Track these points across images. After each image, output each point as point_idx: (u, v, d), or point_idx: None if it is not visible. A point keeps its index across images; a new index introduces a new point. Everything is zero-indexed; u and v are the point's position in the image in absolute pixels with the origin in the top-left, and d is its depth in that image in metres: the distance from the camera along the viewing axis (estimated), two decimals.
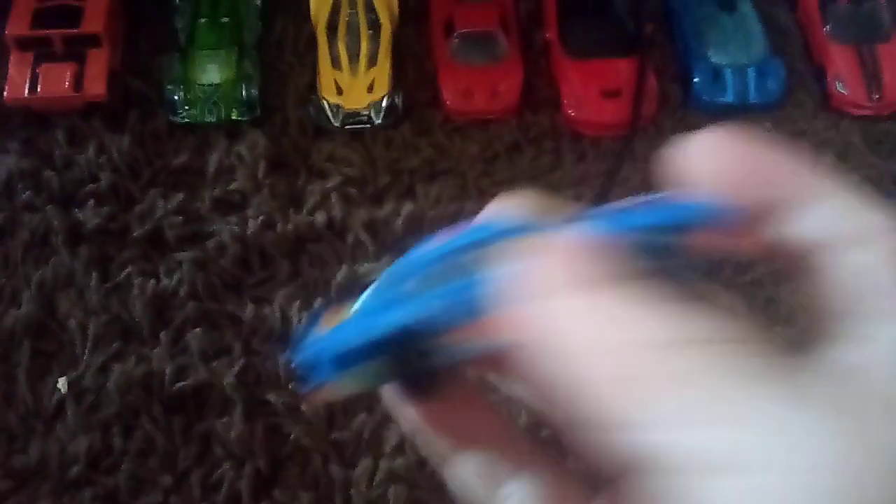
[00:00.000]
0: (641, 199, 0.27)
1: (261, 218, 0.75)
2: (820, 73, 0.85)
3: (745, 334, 0.22)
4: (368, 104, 0.81)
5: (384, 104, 0.81)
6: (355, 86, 0.82)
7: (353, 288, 0.30)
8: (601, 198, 0.77)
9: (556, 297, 0.23)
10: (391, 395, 0.31)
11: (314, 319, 0.29)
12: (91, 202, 0.77)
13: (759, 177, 0.25)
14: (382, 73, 0.83)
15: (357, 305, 0.28)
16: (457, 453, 0.31)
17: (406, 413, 0.31)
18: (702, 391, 0.21)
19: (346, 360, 0.27)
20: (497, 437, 0.31)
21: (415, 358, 0.27)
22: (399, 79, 0.84)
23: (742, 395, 0.21)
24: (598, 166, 0.80)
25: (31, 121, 0.82)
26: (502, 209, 0.29)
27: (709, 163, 0.26)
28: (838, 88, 0.83)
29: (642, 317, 0.22)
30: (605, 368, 0.22)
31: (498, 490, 0.30)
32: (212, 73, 0.83)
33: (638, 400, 0.21)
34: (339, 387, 0.28)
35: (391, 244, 0.75)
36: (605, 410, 0.22)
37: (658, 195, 0.27)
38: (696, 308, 0.22)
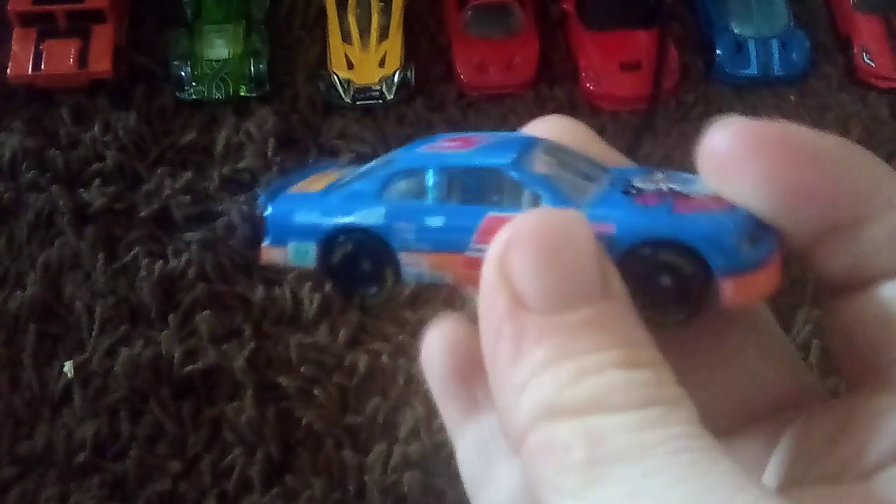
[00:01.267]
0: (680, 188, 0.25)
1: None
2: (846, 45, 0.82)
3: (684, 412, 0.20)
4: (380, 79, 0.79)
5: (396, 79, 0.79)
6: (366, 60, 0.80)
7: (352, 159, 0.31)
8: None
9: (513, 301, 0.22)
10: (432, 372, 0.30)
11: (303, 173, 0.31)
12: (97, 181, 0.75)
13: (815, 189, 0.23)
14: (394, 46, 0.81)
15: (342, 180, 0.29)
16: (464, 422, 0.30)
17: (428, 372, 0.30)
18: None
19: (301, 232, 0.28)
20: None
21: (364, 258, 0.27)
22: (411, 52, 0.82)
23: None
24: (618, 141, 0.77)
25: (36, 98, 0.80)
26: (545, 132, 0.28)
27: (764, 165, 0.23)
28: (865, 60, 0.81)
29: (581, 350, 0.21)
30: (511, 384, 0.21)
31: (492, 468, 0.29)
32: (219, 48, 0.81)
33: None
34: (285, 254, 0.28)
35: None
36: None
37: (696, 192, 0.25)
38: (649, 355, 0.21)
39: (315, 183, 0.30)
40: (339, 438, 0.65)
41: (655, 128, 0.77)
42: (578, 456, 0.20)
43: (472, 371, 0.28)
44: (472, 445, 0.29)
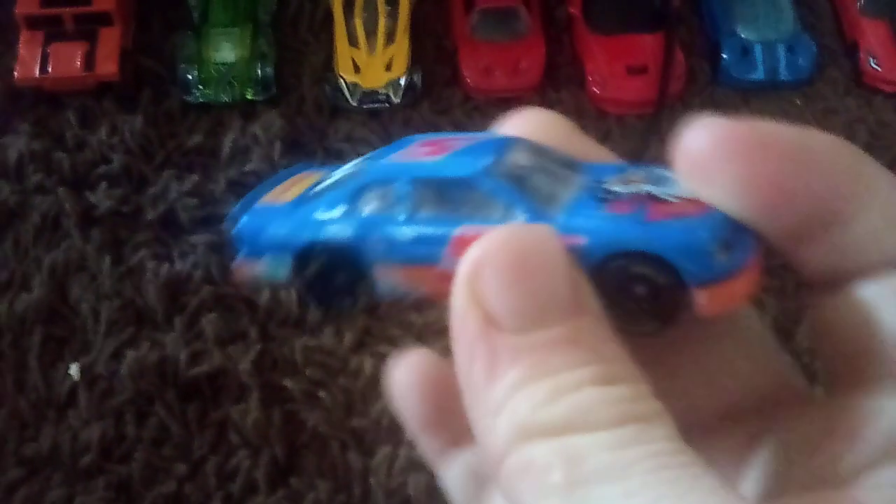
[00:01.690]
0: (664, 189, 0.25)
1: None
2: (852, 49, 0.82)
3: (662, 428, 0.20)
4: (386, 83, 0.79)
5: (402, 82, 0.79)
6: (373, 64, 0.80)
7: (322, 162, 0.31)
8: None
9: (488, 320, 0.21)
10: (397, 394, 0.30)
11: (274, 180, 0.30)
12: (103, 184, 0.75)
13: (793, 188, 0.23)
14: (401, 50, 0.81)
15: (312, 189, 0.28)
16: (446, 453, 0.30)
17: (404, 411, 0.30)
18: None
19: (274, 246, 0.27)
20: None
21: (338, 273, 0.27)
22: (418, 56, 0.82)
23: None
24: (624, 145, 0.77)
25: (42, 101, 0.80)
26: (522, 128, 0.28)
27: (742, 164, 0.23)
28: (871, 64, 0.80)
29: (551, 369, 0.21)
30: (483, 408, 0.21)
31: (482, 493, 0.29)
32: (226, 51, 0.81)
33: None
34: (260, 268, 0.28)
35: None
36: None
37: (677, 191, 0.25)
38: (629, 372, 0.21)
39: (286, 191, 0.29)
40: (345, 441, 0.65)
41: (661, 132, 0.77)
42: (557, 478, 0.19)
43: (450, 403, 0.28)
44: (460, 475, 0.29)
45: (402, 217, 0.26)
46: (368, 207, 0.26)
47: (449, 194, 0.25)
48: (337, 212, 0.27)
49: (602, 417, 0.20)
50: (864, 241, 0.23)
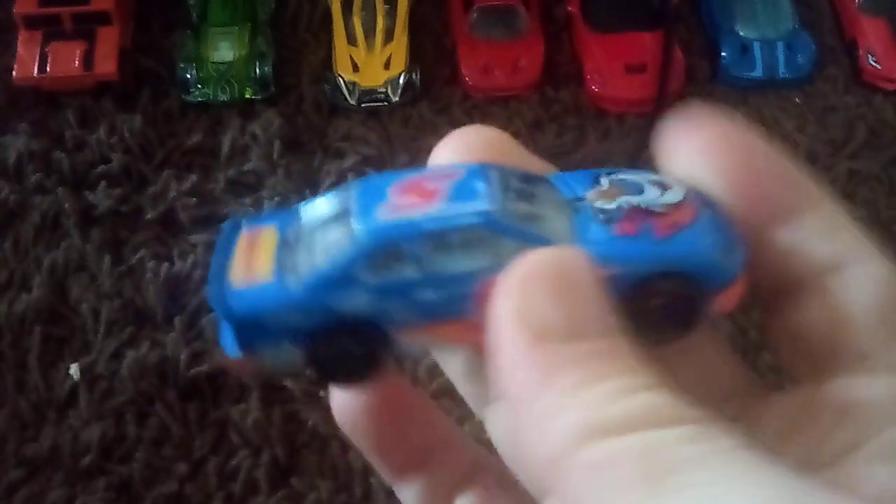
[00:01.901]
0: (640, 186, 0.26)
1: (276, 199, 0.74)
2: (851, 47, 0.82)
3: (702, 413, 0.21)
4: (385, 81, 0.79)
5: (401, 81, 0.79)
6: (371, 62, 0.80)
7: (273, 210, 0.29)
8: None
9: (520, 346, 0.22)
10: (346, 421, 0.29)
11: (225, 246, 0.27)
12: (103, 184, 0.75)
13: (758, 182, 0.25)
14: (399, 49, 0.81)
15: (288, 254, 0.26)
16: (399, 480, 0.30)
17: (354, 436, 0.29)
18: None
19: (278, 335, 0.25)
20: (441, 452, 0.30)
21: (356, 345, 0.25)
22: (416, 55, 0.81)
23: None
24: (623, 144, 0.77)
25: (41, 101, 0.80)
26: (460, 154, 0.27)
27: (711, 158, 0.25)
28: (870, 62, 0.80)
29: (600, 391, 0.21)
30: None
31: None
32: (225, 50, 0.81)
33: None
34: (263, 361, 0.26)
35: None
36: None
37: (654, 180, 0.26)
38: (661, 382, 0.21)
39: (252, 260, 0.26)
40: (345, 440, 0.65)
41: (660, 130, 0.77)
42: (633, 471, 0.19)
43: (397, 427, 0.29)
44: (415, 497, 0.30)
45: (417, 276, 0.24)
46: (379, 274, 0.24)
47: (459, 244, 0.24)
48: (339, 283, 0.24)
49: (667, 416, 0.20)
50: (818, 234, 0.25)
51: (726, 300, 0.25)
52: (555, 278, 0.22)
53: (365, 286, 0.24)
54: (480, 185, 0.25)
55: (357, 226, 0.25)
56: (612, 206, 0.25)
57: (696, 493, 0.19)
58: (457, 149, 0.27)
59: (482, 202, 0.24)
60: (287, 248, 0.26)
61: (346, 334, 0.25)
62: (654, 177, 0.26)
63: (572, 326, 0.22)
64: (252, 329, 0.25)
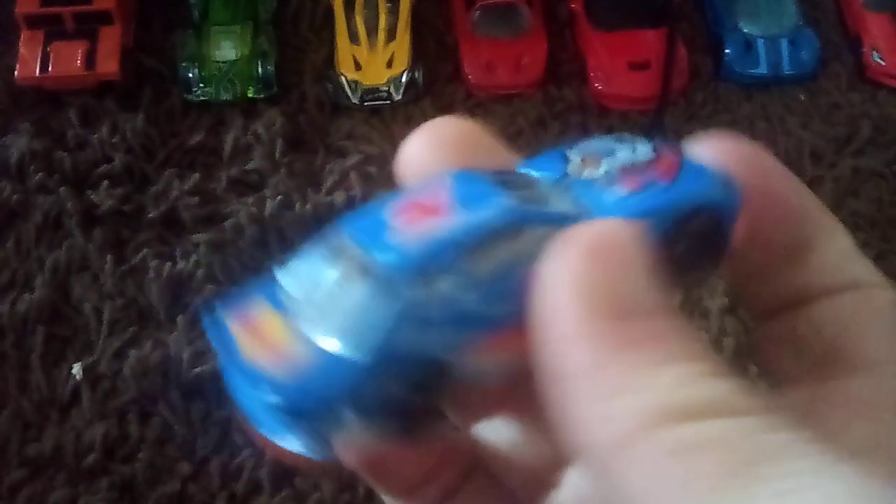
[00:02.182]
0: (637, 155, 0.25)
1: (279, 198, 0.73)
2: (855, 44, 0.82)
3: (767, 402, 0.20)
4: (388, 80, 0.79)
5: (404, 79, 0.79)
6: (374, 61, 0.80)
7: (265, 276, 0.24)
8: None
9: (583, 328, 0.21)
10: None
11: (220, 339, 0.24)
12: (105, 183, 0.75)
13: (777, 207, 0.25)
14: (402, 47, 0.81)
15: (301, 321, 0.22)
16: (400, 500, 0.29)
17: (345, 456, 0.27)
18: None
19: (347, 410, 0.22)
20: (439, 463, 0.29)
21: (420, 392, 0.22)
22: (419, 53, 0.81)
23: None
24: None
25: (43, 100, 0.80)
26: (432, 148, 0.26)
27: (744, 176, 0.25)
28: (875, 59, 0.80)
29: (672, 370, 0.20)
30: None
31: None
32: (227, 49, 0.81)
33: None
34: (331, 443, 0.22)
35: None
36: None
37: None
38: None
39: (267, 344, 0.23)
40: None
41: (664, 127, 0.77)
42: (715, 459, 0.19)
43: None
44: None
45: (467, 293, 0.22)
46: (429, 301, 0.22)
47: (495, 246, 0.23)
48: (406, 324, 0.22)
49: (741, 404, 0.20)
50: (830, 264, 0.25)
51: (739, 229, 0.25)
52: (614, 250, 0.21)
53: (424, 320, 0.22)
54: (478, 187, 0.24)
55: (383, 258, 0.22)
56: (600, 172, 0.25)
57: (779, 485, 0.18)
58: (428, 142, 0.26)
59: (497, 199, 0.23)
60: (301, 320, 0.23)
61: (414, 384, 0.22)
62: (612, 139, 0.26)
63: (629, 302, 0.21)
64: (320, 415, 0.22)
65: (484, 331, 0.22)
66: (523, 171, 0.26)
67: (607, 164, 0.25)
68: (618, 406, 0.20)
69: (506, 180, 0.24)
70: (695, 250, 0.24)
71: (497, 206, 0.23)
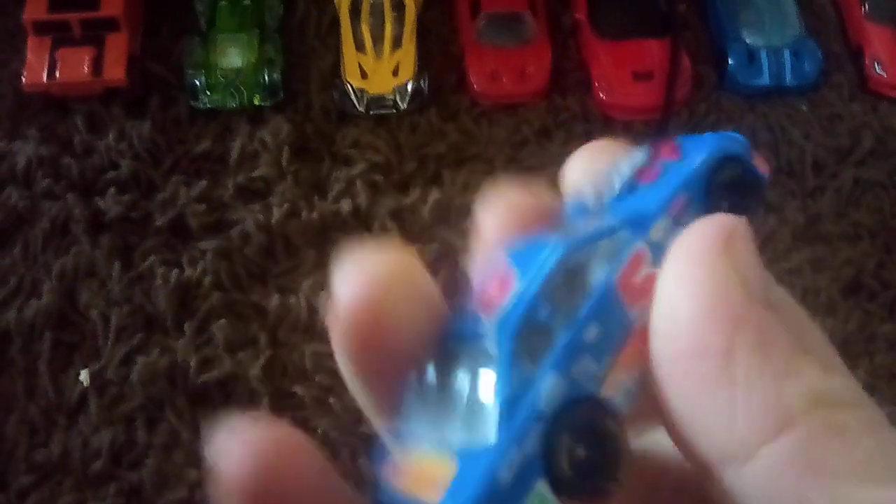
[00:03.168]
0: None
1: (285, 206, 0.74)
2: (857, 55, 0.83)
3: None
4: (393, 88, 0.79)
5: (409, 88, 0.80)
6: (380, 69, 0.80)
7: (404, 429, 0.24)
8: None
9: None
10: None
11: (381, 479, 0.24)
12: (112, 190, 0.75)
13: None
14: (407, 56, 0.81)
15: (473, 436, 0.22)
16: None
17: None
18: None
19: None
20: None
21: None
22: (424, 62, 0.82)
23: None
24: None
25: (50, 107, 0.80)
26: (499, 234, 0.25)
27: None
28: (876, 70, 0.81)
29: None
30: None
31: None
32: (233, 57, 0.81)
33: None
34: None
35: (418, 232, 0.73)
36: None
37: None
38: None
39: (423, 476, 0.22)
40: (355, 447, 0.65)
41: (668, 137, 0.77)
42: (869, 441, 0.20)
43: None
44: None
45: (587, 327, 0.22)
46: (545, 353, 0.22)
47: (568, 281, 0.22)
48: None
49: (865, 396, 0.21)
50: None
51: (762, 164, 0.26)
52: (740, 239, 0.21)
53: (553, 373, 0.21)
54: (530, 248, 0.23)
55: (492, 338, 0.22)
56: (616, 188, 0.26)
57: None
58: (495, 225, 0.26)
59: (548, 244, 0.23)
60: (451, 441, 0.22)
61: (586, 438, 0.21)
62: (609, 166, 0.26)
63: (766, 288, 0.21)
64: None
65: (612, 350, 0.22)
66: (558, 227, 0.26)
67: (618, 179, 0.26)
68: (786, 387, 0.20)
69: (549, 231, 0.25)
70: (738, 200, 0.25)
71: (551, 248, 0.23)
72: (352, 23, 0.83)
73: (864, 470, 0.19)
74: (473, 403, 0.22)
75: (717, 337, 0.20)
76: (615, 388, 0.22)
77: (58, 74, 0.79)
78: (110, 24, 0.80)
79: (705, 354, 0.20)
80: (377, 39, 0.82)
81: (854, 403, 0.20)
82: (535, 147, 0.78)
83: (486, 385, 0.22)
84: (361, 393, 0.25)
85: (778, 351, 0.20)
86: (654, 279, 0.22)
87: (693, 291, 0.21)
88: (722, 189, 0.25)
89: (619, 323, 0.22)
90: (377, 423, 0.26)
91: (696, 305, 0.21)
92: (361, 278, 0.23)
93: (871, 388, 0.61)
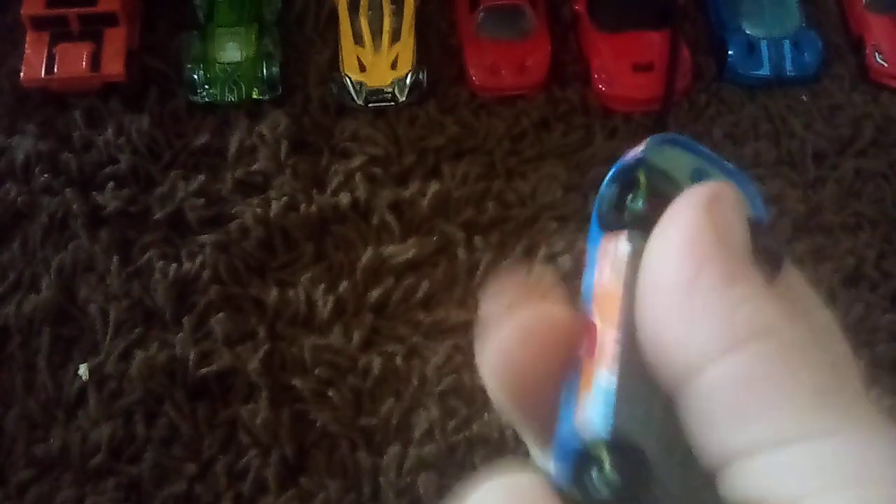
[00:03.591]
0: None
1: (284, 199, 0.74)
2: (858, 45, 0.82)
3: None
4: (392, 81, 0.79)
5: (408, 81, 0.79)
6: (378, 62, 0.80)
7: None
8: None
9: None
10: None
11: None
12: (111, 184, 0.75)
13: None
14: (406, 48, 0.81)
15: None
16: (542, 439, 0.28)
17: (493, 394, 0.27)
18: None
19: None
20: None
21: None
22: (423, 55, 0.81)
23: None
24: (630, 143, 0.77)
25: (49, 102, 0.80)
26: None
27: None
28: (877, 60, 0.80)
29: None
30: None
31: None
32: (232, 51, 0.81)
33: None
34: None
35: (417, 225, 0.73)
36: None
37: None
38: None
39: None
40: (354, 440, 0.65)
41: (668, 129, 0.77)
42: (803, 374, 0.22)
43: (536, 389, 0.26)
44: None
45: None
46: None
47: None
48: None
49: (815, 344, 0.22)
50: None
51: None
52: (731, 204, 0.23)
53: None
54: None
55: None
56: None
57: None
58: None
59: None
60: None
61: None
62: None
63: (748, 251, 0.23)
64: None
65: None
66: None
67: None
68: (738, 315, 0.22)
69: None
70: None
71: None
72: (350, 16, 0.82)
73: (797, 393, 0.21)
74: None
75: (684, 273, 0.22)
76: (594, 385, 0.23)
77: (56, 69, 0.79)
78: (108, 19, 0.80)
79: (672, 287, 0.22)
80: (376, 32, 0.82)
81: (802, 344, 0.22)
82: (535, 139, 0.78)
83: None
84: (510, 413, 0.27)
85: (737, 286, 0.22)
86: None
87: (670, 237, 0.23)
88: None
89: None
90: (527, 437, 0.28)
91: (671, 246, 0.23)
92: (513, 332, 0.26)
93: (872, 379, 0.61)
